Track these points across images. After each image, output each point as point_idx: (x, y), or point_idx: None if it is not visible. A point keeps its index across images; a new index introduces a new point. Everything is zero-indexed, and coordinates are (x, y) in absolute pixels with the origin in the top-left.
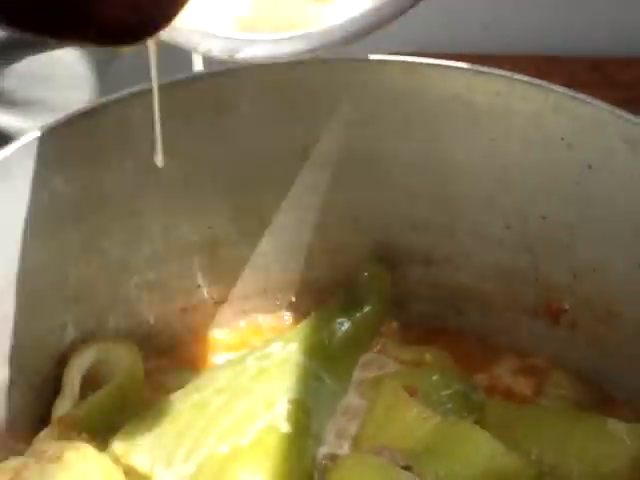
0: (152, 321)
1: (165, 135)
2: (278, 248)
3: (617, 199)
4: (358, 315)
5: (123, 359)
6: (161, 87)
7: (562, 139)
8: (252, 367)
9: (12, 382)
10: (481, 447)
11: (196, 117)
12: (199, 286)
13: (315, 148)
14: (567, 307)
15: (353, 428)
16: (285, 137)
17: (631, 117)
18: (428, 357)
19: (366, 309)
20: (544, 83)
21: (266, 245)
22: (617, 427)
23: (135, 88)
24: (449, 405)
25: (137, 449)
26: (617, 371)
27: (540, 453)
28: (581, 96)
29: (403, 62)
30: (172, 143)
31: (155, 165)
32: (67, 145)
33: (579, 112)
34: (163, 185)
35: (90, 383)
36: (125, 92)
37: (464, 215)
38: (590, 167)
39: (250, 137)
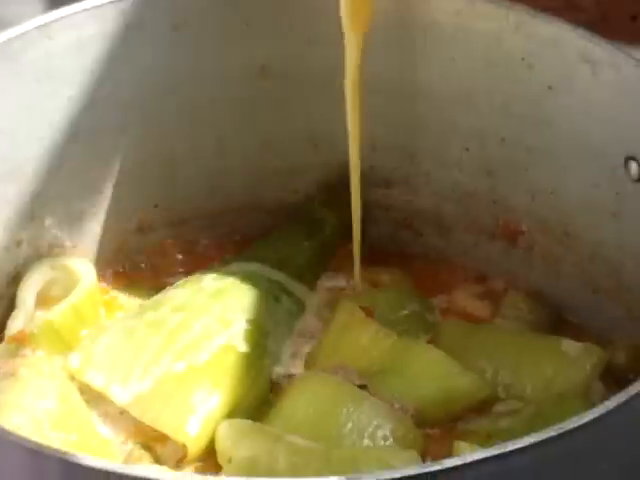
0: (108, 240)
1: (122, 50)
2: (236, 169)
3: (576, 120)
4: (317, 236)
5: (78, 276)
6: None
7: (522, 59)
8: (210, 286)
9: None
10: (436, 366)
11: (152, 33)
12: (156, 205)
13: (274, 67)
14: (524, 229)
15: (309, 348)
16: (243, 55)
17: (592, 37)
18: (385, 278)
19: (325, 231)
20: (505, 2)
21: (224, 165)
22: (571, 347)
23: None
24: (405, 326)
25: (92, 366)
26: (573, 292)
27: (494, 373)
28: (542, 15)
29: None
30: (130, 59)
31: (110, 80)
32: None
33: (540, 31)
34: (121, 102)
35: (45, 301)
36: (78, 7)
37: (424, 137)
38: (550, 88)
39: (207, 54)
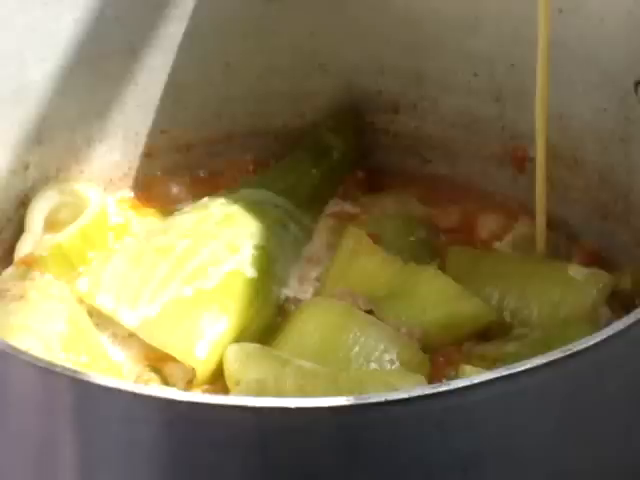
0: (116, 165)
1: None
2: (244, 94)
3: (586, 44)
4: (324, 163)
5: (87, 201)
6: None
7: None
8: (218, 212)
9: None
10: (442, 291)
11: None
12: (163, 131)
13: None
14: (532, 155)
15: (317, 274)
16: None
17: None
18: (392, 204)
19: (333, 157)
20: None
21: (232, 90)
22: (578, 272)
23: None
24: (411, 251)
25: (101, 290)
26: (582, 218)
27: (501, 298)
28: None
29: None
30: None
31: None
32: None
33: None
34: (127, 26)
35: (53, 225)
36: None
37: (432, 61)
38: (561, 11)
39: None
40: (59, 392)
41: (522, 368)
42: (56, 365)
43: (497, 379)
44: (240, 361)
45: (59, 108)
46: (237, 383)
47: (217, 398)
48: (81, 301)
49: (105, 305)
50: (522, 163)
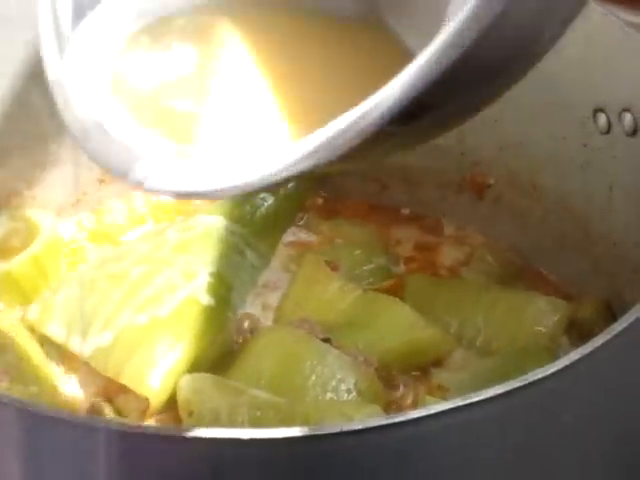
0: (69, 191)
1: None
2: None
3: (544, 71)
4: (281, 191)
5: (39, 228)
6: None
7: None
8: (173, 239)
9: None
10: (400, 319)
11: None
12: None
13: None
14: (492, 182)
15: (274, 301)
16: None
17: None
18: (351, 231)
19: (289, 185)
20: None
21: None
22: (537, 301)
23: None
24: (370, 279)
25: (52, 318)
26: (540, 245)
27: (460, 326)
28: None
29: None
30: None
31: None
32: None
33: None
34: None
35: (4, 252)
36: None
37: None
38: None
39: None
40: (6, 424)
41: (480, 398)
42: (3, 396)
43: (454, 409)
44: (193, 391)
45: (10, 133)
46: (190, 414)
47: (169, 429)
48: (32, 330)
49: (56, 334)
50: (481, 189)
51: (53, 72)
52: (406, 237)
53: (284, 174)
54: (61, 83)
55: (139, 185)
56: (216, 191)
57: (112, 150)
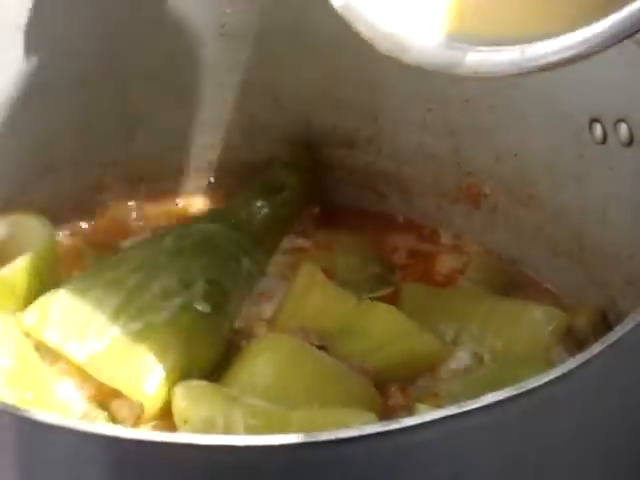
0: (65, 197)
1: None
2: (197, 127)
3: (540, 81)
4: (278, 199)
5: (35, 234)
6: None
7: None
8: (170, 246)
9: None
10: (396, 327)
11: None
12: (114, 163)
13: (235, 21)
14: (487, 191)
15: (270, 309)
16: (205, 10)
17: None
18: (347, 239)
19: (286, 193)
20: None
21: (184, 123)
22: (533, 311)
23: None
24: (366, 287)
25: (48, 324)
26: (535, 256)
27: (455, 335)
28: None
29: None
30: (86, 11)
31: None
32: None
33: None
34: (78, 56)
35: (1, 257)
36: None
37: (387, 97)
38: None
39: (169, 8)
40: (1, 429)
41: (475, 406)
42: None
43: (449, 417)
44: (188, 399)
45: (7, 138)
46: (185, 421)
47: (164, 436)
48: (27, 335)
49: (52, 339)
50: (477, 199)
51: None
52: (402, 245)
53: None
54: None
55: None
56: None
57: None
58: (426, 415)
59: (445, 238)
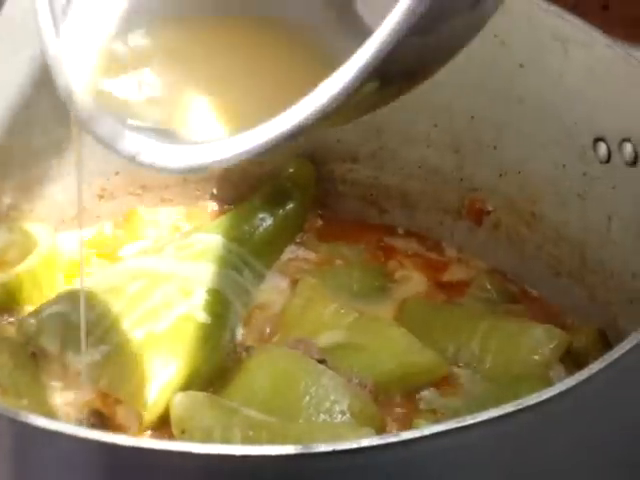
0: (68, 205)
1: None
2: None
3: (546, 99)
4: (281, 211)
5: (36, 241)
6: None
7: (495, 36)
8: (171, 256)
9: None
10: (396, 342)
11: None
12: (117, 173)
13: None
14: (490, 208)
15: (271, 321)
16: None
17: (564, 14)
18: (350, 253)
19: (289, 205)
20: None
21: None
22: (533, 329)
23: None
24: (369, 301)
25: (47, 331)
26: (537, 273)
27: (455, 351)
28: None
29: None
30: None
31: None
32: None
33: (514, 8)
34: None
35: (1, 264)
36: None
37: (392, 111)
38: (522, 66)
39: None
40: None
41: (473, 421)
42: None
43: (447, 431)
44: (187, 409)
45: (12, 146)
46: (183, 431)
47: (161, 444)
48: (26, 342)
49: (51, 346)
50: (479, 216)
51: (51, 48)
52: (405, 259)
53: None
54: (59, 59)
55: (131, 159)
56: (205, 164)
57: (104, 123)
58: (424, 429)
59: (450, 251)
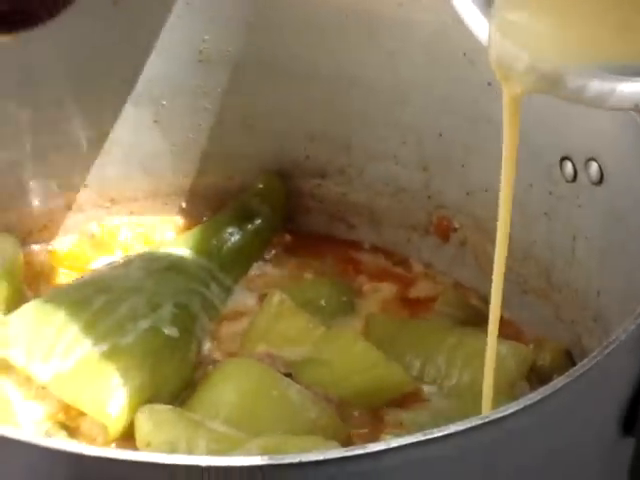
0: (35, 217)
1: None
2: (171, 152)
3: None
4: (249, 226)
5: (2, 253)
6: None
7: (464, 55)
8: (139, 269)
9: None
10: (362, 357)
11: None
12: (86, 185)
13: (212, 48)
14: (457, 226)
15: (238, 334)
16: (183, 36)
17: None
18: (316, 268)
19: (258, 221)
20: None
21: (159, 148)
22: (500, 347)
23: None
24: (334, 315)
25: (13, 343)
26: (503, 291)
27: (421, 366)
28: None
29: None
30: (70, 31)
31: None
32: None
33: None
34: (58, 76)
35: None
36: None
37: (361, 129)
38: (490, 84)
39: (146, 32)
40: None
41: (439, 434)
42: None
43: (413, 444)
44: (151, 423)
45: None
46: (147, 444)
47: (127, 454)
48: None
49: (16, 358)
50: (446, 233)
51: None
52: (372, 274)
53: None
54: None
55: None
56: None
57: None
58: (390, 441)
59: (417, 267)
